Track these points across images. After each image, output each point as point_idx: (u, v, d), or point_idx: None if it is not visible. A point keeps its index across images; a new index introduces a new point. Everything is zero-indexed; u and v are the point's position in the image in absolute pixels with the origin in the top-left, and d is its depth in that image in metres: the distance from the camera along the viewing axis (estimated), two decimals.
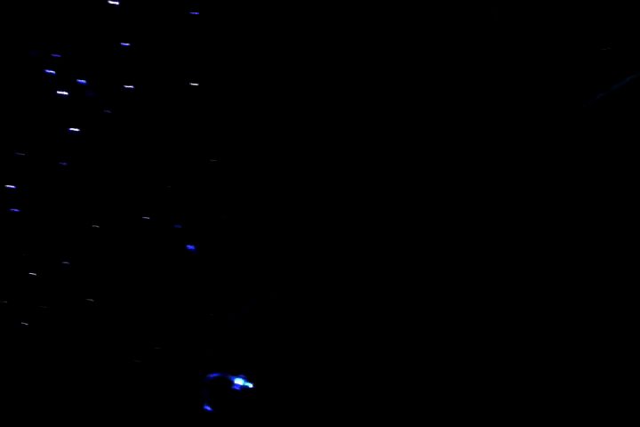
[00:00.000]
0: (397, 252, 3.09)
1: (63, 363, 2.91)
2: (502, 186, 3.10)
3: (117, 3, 2.93)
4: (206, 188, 2.92)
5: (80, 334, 2.93)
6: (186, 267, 2.91)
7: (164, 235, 2.90)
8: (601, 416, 2.93)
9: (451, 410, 3.03)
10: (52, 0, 2.92)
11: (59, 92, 2.76)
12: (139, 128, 2.90)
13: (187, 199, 2.90)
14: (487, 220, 3.09)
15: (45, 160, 2.91)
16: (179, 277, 2.92)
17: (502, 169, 3.10)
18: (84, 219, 2.90)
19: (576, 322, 3.02)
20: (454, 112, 3.12)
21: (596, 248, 3.08)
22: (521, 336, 3.05)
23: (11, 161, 2.90)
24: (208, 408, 2.84)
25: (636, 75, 2.99)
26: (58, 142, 2.89)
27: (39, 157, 2.91)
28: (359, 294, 3.06)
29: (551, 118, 3.05)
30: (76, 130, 2.85)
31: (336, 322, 3.02)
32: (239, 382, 2.81)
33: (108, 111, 2.89)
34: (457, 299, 3.08)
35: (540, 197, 3.08)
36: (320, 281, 2.97)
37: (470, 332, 3.07)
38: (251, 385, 2.81)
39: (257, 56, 2.99)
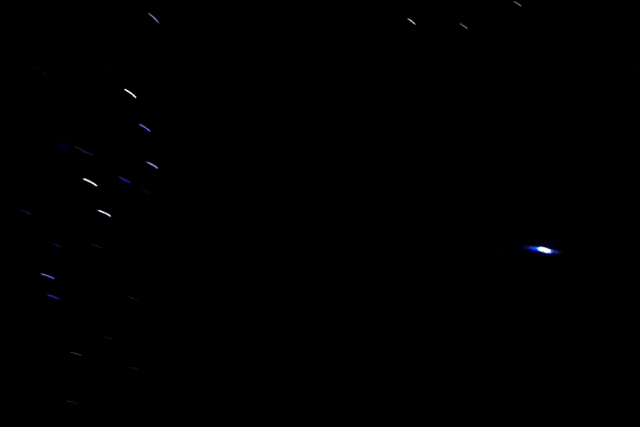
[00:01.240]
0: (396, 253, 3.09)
1: None
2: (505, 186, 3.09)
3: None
4: None
5: None
6: None
7: None
8: (600, 416, 2.93)
9: (449, 409, 3.04)
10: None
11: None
12: None
13: None
14: (488, 221, 3.09)
15: None
16: None
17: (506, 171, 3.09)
18: None
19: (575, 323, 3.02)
20: (456, 112, 3.11)
21: (599, 248, 3.06)
22: (520, 336, 3.05)
23: None
24: None
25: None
26: None
27: None
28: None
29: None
30: None
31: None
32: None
33: None
34: (456, 299, 3.08)
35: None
36: None
37: (468, 332, 3.07)
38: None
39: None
